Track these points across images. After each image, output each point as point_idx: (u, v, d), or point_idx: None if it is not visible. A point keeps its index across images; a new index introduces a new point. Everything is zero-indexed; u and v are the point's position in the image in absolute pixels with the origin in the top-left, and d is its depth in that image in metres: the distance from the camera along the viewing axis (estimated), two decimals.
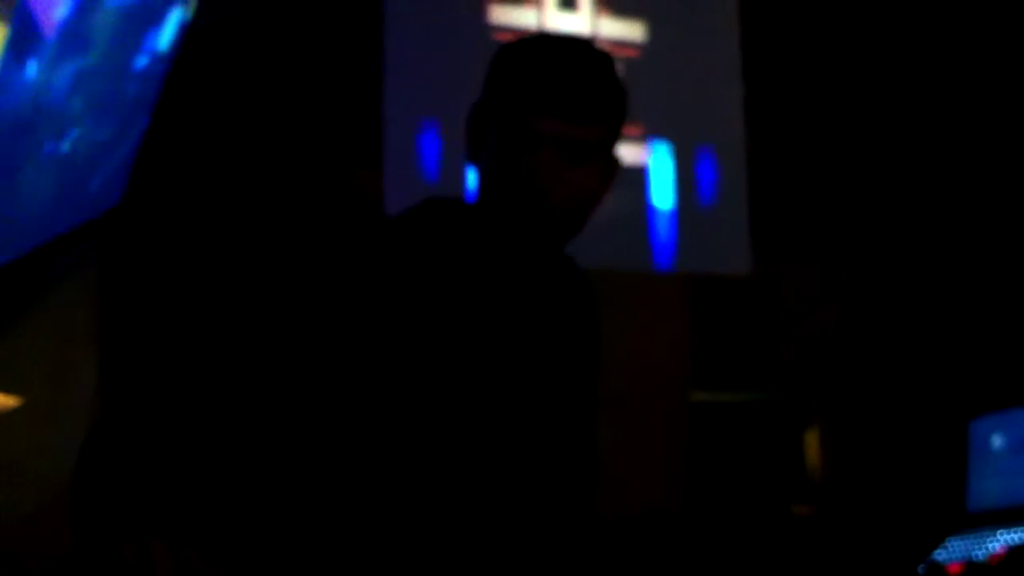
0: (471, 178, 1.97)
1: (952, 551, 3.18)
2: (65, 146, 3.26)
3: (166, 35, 3.57)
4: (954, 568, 2.10)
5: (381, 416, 1.66)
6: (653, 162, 4.60)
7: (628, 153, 4.57)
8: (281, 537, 1.66)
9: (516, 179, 1.68)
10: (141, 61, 3.49)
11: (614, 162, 1.78)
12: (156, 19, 3.47)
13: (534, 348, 1.75)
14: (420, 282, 1.69)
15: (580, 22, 4.58)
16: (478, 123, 1.76)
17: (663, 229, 4.59)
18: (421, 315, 1.67)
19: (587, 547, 1.80)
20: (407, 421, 1.66)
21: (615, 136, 1.76)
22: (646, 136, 4.59)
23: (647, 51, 4.61)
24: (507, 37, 1.67)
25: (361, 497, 1.65)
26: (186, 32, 3.67)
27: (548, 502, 1.74)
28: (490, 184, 1.72)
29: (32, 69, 2.84)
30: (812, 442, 4.75)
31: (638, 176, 4.58)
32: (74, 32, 2.95)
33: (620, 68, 1.79)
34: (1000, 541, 3.15)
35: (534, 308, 1.77)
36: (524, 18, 4.54)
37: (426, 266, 1.70)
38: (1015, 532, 3.22)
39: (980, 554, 2.93)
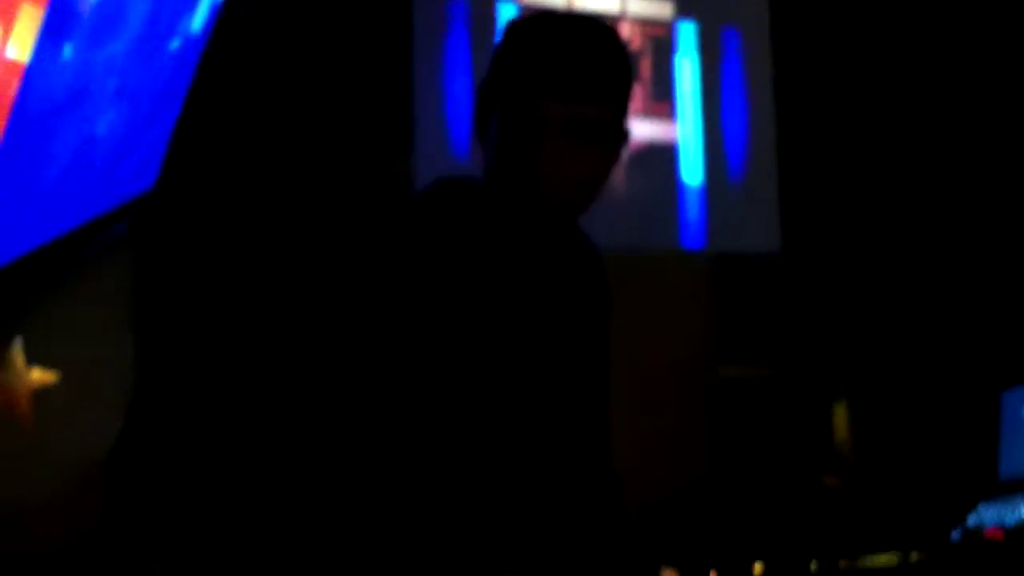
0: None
1: (984, 517, 3.17)
2: (100, 128, 3.29)
3: (199, 18, 3.60)
4: (992, 533, 2.09)
5: (387, 401, 1.67)
6: (682, 137, 4.61)
7: (658, 131, 4.58)
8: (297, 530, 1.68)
9: (522, 164, 1.67)
10: (174, 44, 3.52)
11: (622, 137, 1.76)
12: (189, 2, 3.50)
13: (539, 329, 1.76)
14: (429, 267, 1.70)
15: (609, 1, 4.58)
16: (484, 106, 1.75)
17: (692, 207, 4.60)
18: (429, 300, 1.68)
19: (603, 525, 1.81)
20: (413, 407, 1.67)
21: (622, 112, 1.74)
22: (675, 112, 4.59)
23: (676, 30, 4.61)
24: None
25: (371, 476, 1.66)
26: (218, 15, 3.69)
27: (558, 479, 1.75)
28: (497, 168, 1.71)
29: (68, 50, 2.87)
30: (840, 414, 4.75)
31: (667, 155, 4.58)
32: (109, 14, 2.98)
33: (648, 47, 1.78)
34: None
35: (541, 290, 1.77)
36: None
37: (435, 252, 1.71)
38: None
39: (1012, 520, 2.93)
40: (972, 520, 3.12)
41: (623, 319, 1.96)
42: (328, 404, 1.67)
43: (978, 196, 4.88)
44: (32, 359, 3.42)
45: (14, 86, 2.71)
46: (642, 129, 4.48)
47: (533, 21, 1.74)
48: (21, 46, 2.67)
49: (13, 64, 2.67)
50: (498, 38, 1.74)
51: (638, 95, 4.47)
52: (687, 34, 4.63)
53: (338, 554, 1.67)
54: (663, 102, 4.59)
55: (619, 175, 4.34)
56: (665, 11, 4.62)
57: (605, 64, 1.70)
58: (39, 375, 3.44)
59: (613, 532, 1.82)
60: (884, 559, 1.55)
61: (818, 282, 4.79)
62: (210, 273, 3.86)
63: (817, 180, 4.81)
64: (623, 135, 1.76)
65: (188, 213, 3.95)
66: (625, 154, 1.80)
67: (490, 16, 4.37)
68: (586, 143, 1.68)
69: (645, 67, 4.52)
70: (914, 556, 1.57)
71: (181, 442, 1.63)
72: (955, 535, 2.76)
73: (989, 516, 3.10)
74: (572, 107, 1.66)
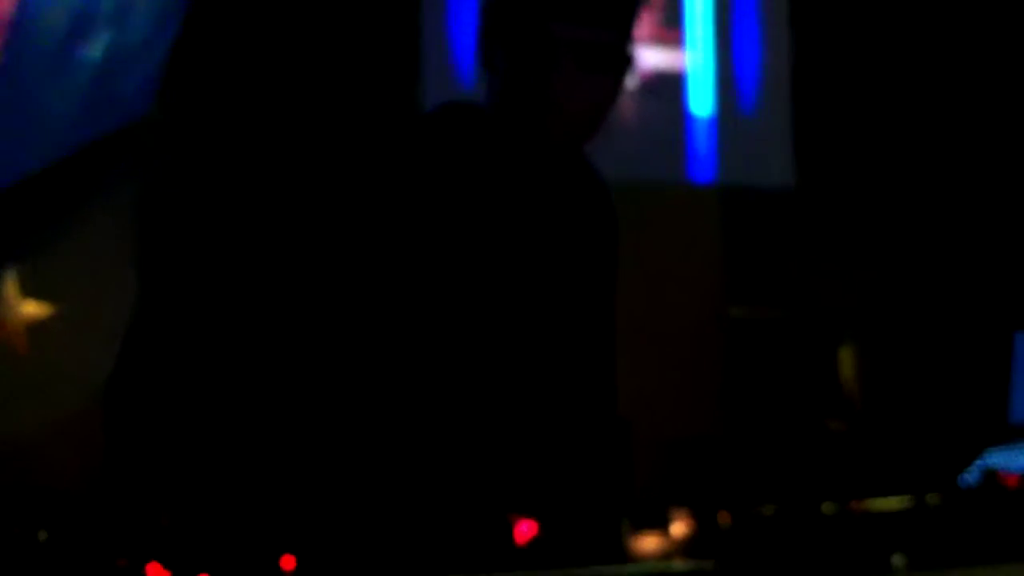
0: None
1: (993, 463, 3.16)
2: (96, 51, 3.26)
3: None
4: (1009, 479, 2.07)
5: (383, 330, 1.65)
6: (692, 67, 4.54)
7: (667, 59, 4.51)
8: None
9: (528, 88, 1.65)
10: None
11: (629, 63, 1.73)
12: None
13: (540, 258, 1.73)
14: (431, 191, 1.67)
15: None
16: (489, 28, 1.72)
17: (701, 139, 4.55)
18: (428, 223, 1.66)
19: (608, 453, 1.80)
20: (409, 338, 1.65)
21: (629, 37, 1.72)
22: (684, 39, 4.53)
23: None
24: None
25: (370, 411, 1.65)
26: None
27: (560, 419, 1.74)
28: (503, 92, 1.69)
29: None
30: (847, 357, 4.74)
31: (677, 84, 4.52)
32: None
33: None
34: None
35: (544, 218, 1.75)
36: None
37: (437, 175, 1.69)
38: None
39: (1018, 465, 2.92)
40: (981, 465, 3.11)
41: (627, 254, 1.93)
42: (326, 331, 1.66)
43: (997, 134, 4.84)
44: (27, 291, 3.40)
45: (10, 6, 2.67)
46: (651, 57, 4.41)
47: None
48: None
49: None
50: None
51: (648, 21, 4.40)
52: None
53: (340, 489, 1.66)
54: (673, 29, 4.52)
55: (627, 104, 4.28)
56: None
57: None
58: (34, 308, 3.42)
59: (616, 475, 1.81)
60: (897, 502, 1.52)
61: (830, 219, 4.75)
62: (211, 200, 3.83)
63: (833, 112, 4.75)
64: (630, 60, 1.72)
65: (189, 139, 3.91)
66: (633, 82, 1.77)
67: None
68: (594, 67, 1.65)
69: None
70: (931, 499, 1.54)
71: (178, 372, 1.62)
72: (968, 479, 2.74)
73: (998, 462, 3.09)
74: (580, 30, 1.63)
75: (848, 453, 4.17)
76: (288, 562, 1.38)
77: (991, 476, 1.87)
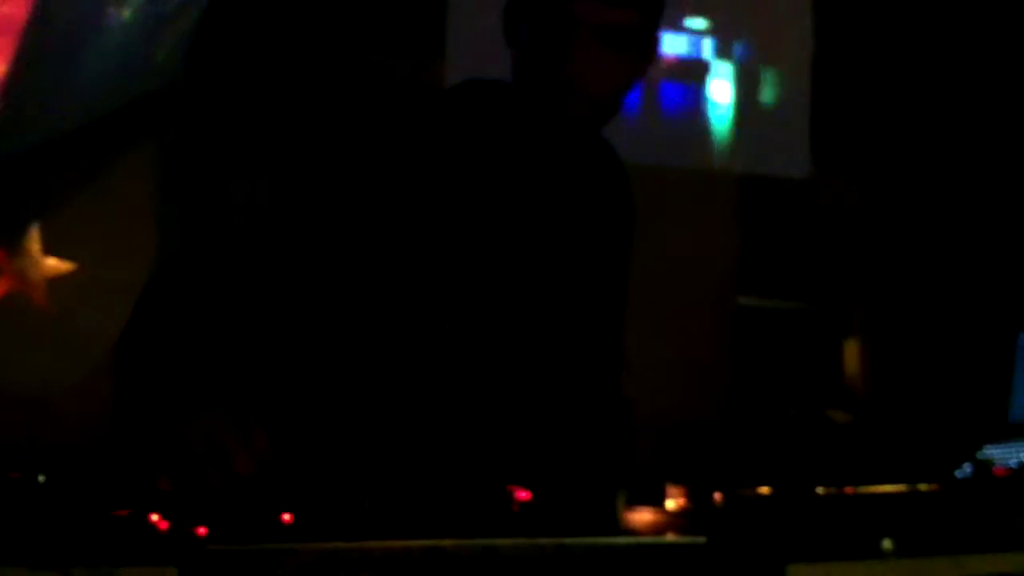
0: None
1: (990, 457, 3.17)
2: (127, 15, 3.27)
3: None
4: (999, 472, 2.09)
5: (394, 298, 1.66)
6: (714, 57, 4.54)
7: (689, 46, 4.51)
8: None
9: (551, 65, 1.64)
10: None
11: (653, 48, 1.73)
12: None
13: (555, 234, 1.74)
14: (447, 162, 1.68)
15: None
16: (514, 4, 1.72)
17: (721, 126, 4.55)
18: (442, 195, 1.67)
19: (609, 432, 1.81)
20: (418, 305, 1.66)
21: (655, 21, 1.72)
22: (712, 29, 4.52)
23: None
24: None
25: (376, 377, 1.66)
26: None
27: (564, 383, 1.75)
28: (525, 69, 1.69)
29: None
30: (852, 349, 4.74)
31: (699, 70, 4.52)
32: None
33: None
34: None
35: (560, 194, 1.75)
36: None
37: (454, 147, 1.69)
38: None
39: (1014, 462, 2.93)
40: (976, 458, 3.12)
41: (641, 236, 1.94)
42: (340, 296, 1.67)
43: (1009, 136, 4.82)
44: (49, 247, 3.43)
45: None
46: (675, 44, 4.42)
47: None
48: None
49: None
50: None
51: (673, 8, 4.40)
52: None
53: (342, 452, 1.68)
54: (698, 17, 4.52)
55: (649, 89, 4.29)
56: None
57: None
58: (54, 263, 3.45)
59: (618, 453, 1.83)
60: (889, 488, 1.55)
61: (843, 211, 4.75)
62: (234, 164, 3.85)
63: (851, 105, 4.74)
64: (654, 46, 1.73)
65: (218, 105, 3.93)
66: (656, 68, 1.77)
67: None
68: (617, 49, 1.65)
69: None
70: (922, 487, 1.57)
71: (189, 327, 1.63)
72: (967, 468, 2.75)
73: (995, 457, 3.09)
74: (606, 10, 1.63)
75: (849, 444, 4.17)
76: (287, 519, 1.40)
77: (983, 467, 1.89)
